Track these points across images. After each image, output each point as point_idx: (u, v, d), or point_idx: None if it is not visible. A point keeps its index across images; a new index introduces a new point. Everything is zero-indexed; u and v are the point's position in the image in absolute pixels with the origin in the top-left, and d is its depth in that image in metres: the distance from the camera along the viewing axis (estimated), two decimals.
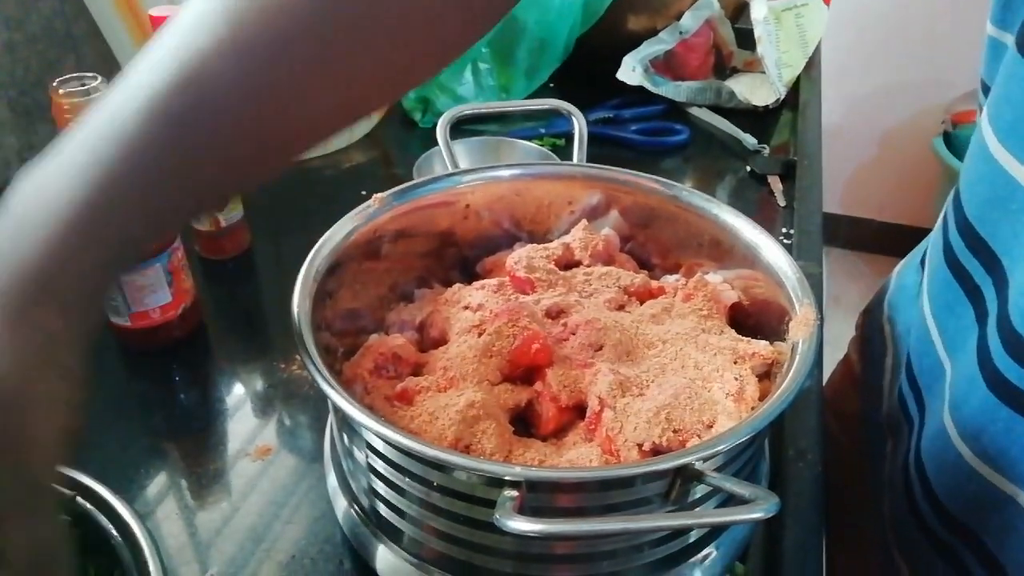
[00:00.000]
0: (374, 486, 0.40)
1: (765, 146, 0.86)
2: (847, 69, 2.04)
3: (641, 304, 0.50)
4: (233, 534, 0.46)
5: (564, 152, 0.81)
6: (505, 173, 0.54)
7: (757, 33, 0.91)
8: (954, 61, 1.92)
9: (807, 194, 0.77)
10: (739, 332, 0.48)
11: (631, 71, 0.92)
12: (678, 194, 0.52)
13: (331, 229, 0.47)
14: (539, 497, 0.34)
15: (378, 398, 0.42)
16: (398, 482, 0.37)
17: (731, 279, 0.50)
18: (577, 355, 0.44)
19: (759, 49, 0.92)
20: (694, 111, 0.93)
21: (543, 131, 0.86)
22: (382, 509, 0.40)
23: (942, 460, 0.44)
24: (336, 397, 0.36)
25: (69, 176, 0.28)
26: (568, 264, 0.53)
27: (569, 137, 0.86)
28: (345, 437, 0.41)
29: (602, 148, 0.86)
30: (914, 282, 0.56)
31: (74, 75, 0.49)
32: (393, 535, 0.41)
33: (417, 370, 0.46)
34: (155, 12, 0.57)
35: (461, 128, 0.86)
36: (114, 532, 0.39)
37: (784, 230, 0.74)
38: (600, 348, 0.44)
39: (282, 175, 0.79)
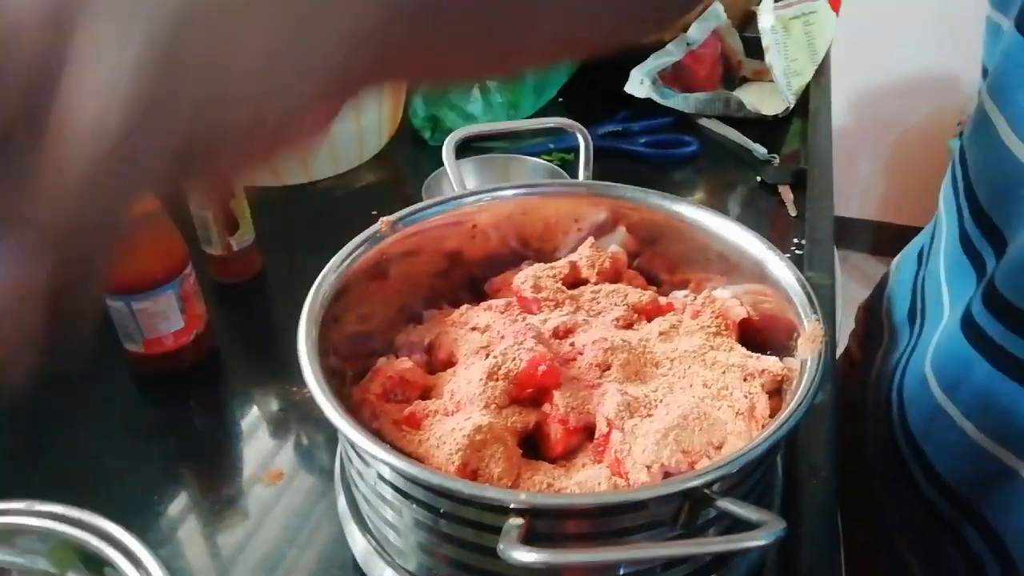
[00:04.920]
0: (382, 512, 0.40)
1: (775, 156, 0.85)
2: (861, 71, 2.02)
3: (649, 322, 0.50)
4: (248, 560, 0.47)
5: (574, 166, 0.81)
6: (510, 192, 0.54)
7: (765, 43, 0.91)
8: (968, 62, 1.90)
9: (818, 203, 0.76)
10: (749, 347, 0.47)
11: (639, 84, 0.91)
12: (683, 209, 0.51)
13: (337, 254, 0.47)
14: (545, 523, 0.34)
15: (386, 422, 0.43)
16: (405, 508, 0.37)
17: (740, 294, 0.49)
18: (585, 375, 0.44)
19: (767, 58, 0.91)
20: (703, 122, 0.93)
21: (552, 146, 0.86)
22: (391, 535, 0.40)
23: (921, 406, 0.49)
24: (343, 425, 0.36)
25: None
26: (575, 282, 0.53)
27: (578, 151, 0.86)
28: (354, 463, 0.41)
29: (612, 162, 0.85)
30: (910, 276, 0.57)
31: None
32: (403, 560, 0.41)
33: (425, 393, 0.46)
34: None
35: (470, 145, 0.86)
36: (131, 570, 0.39)
37: (796, 240, 0.73)
38: (608, 368, 0.44)
39: (293, 197, 0.80)
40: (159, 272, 0.54)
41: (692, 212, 0.51)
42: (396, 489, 0.37)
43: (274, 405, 0.57)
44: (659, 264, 0.54)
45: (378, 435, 0.42)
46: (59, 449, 0.54)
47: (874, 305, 0.64)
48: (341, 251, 0.47)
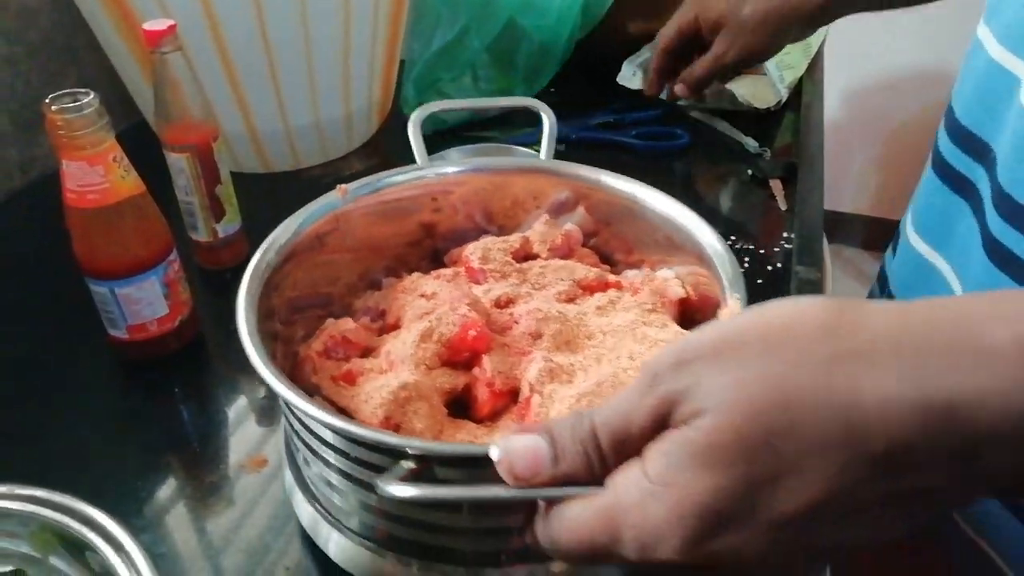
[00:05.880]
0: (322, 472, 0.41)
1: (766, 149, 0.85)
2: (856, 66, 2.03)
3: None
4: (232, 546, 0.46)
5: (563, 157, 0.81)
6: (471, 167, 0.56)
7: None
8: (961, 57, 1.90)
9: (808, 197, 0.76)
10: (689, 327, 0.48)
11: (631, 75, 0.91)
12: (635, 191, 0.52)
13: (290, 217, 0.49)
14: (432, 470, 0.35)
15: (325, 378, 0.44)
16: (331, 458, 0.39)
17: (683, 275, 0.50)
18: (517, 343, 0.45)
19: None
20: (695, 114, 0.93)
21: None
22: (334, 497, 0.42)
23: (901, 259, 0.61)
24: (260, 365, 0.38)
25: None
26: (527, 256, 0.54)
27: (569, 142, 0.86)
28: (288, 421, 0.42)
29: (603, 152, 0.85)
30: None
31: (67, 91, 0.49)
32: (347, 520, 0.42)
33: (367, 353, 0.48)
34: (148, 26, 0.58)
35: (462, 135, 0.86)
36: (111, 555, 0.39)
37: (786, 234, 0.73)
38: (540, 337, 0.45)
39: (281, 183, 0.79)
40: (143, 257, 0.54)
41: (642, 193, 0.52)
42: (316, 437, 0.39)
43: (259, 392, 0.57)
44: (615, 244, 0.55)
45: (317, 390, 0.44)
46: (42, 435, 0.54)
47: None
48: (294, 215, 0.49)
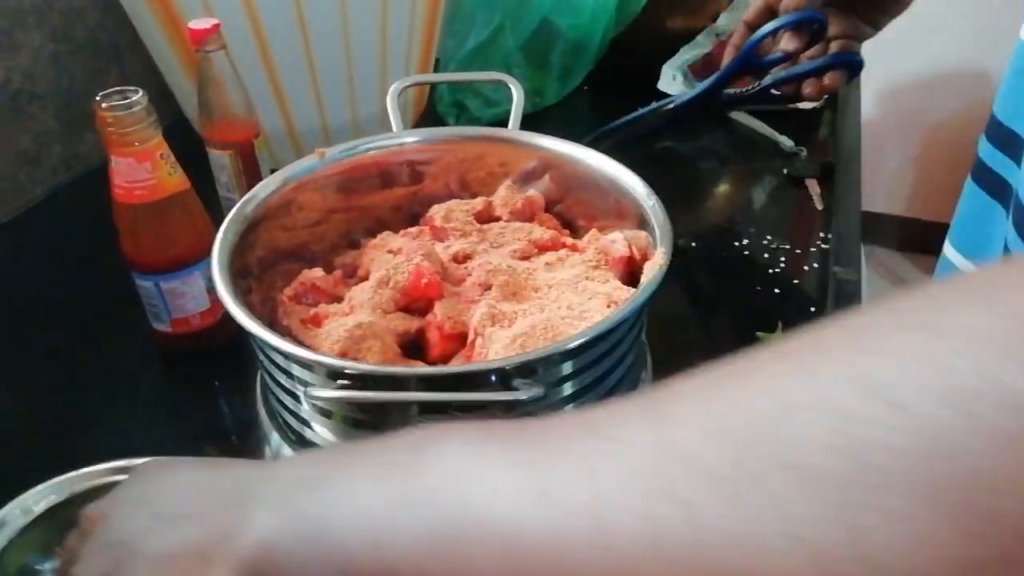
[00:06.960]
0: (282, 400, 0.46)
1: (803, 148, 0.85)
2: (891, 64, 2.00)
3: None
4: None
5: None
6: (444, 137, 0.61)
7: None
8: (998, 56, 1.86)
9: (845, 197, 0.75)
10: (636, 285, 0.50)
11: (671, 79, 0.91)
12: (587, 158, 0.56)
13: (269, 177, 0.54)
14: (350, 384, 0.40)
15: (294, 320, 0.49)
16: (297, 389, 0.43)
17: (630, 237, 0.53)
18: (467, 292, 0.49)
19: None
20: (732, 114, 0.92)
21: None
22: (292, 421, 0.47)
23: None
24: (229, 301, 0.42)
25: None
26: (489, 218, 0.58)
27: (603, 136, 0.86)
28: (265, 365, 0.46)
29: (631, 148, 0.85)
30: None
31: (117, 89, 0.50)
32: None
33: (334, 300, 0.52)
34: (193, 25, 0.59)
35: None
36: None
37: (822, 234, 0.73)
38: (489, 287, 0.49)
39: None
40: (188, 252, 0.55)
41: (594, 160, 0.55)
42: (280, 368, 0.43)
43: None
44: (577, 211, 0.59)
45: (287, 331, 0.49)
46: (85, 426, 0.55)
47: None
48: (275, 174, 0.54)
